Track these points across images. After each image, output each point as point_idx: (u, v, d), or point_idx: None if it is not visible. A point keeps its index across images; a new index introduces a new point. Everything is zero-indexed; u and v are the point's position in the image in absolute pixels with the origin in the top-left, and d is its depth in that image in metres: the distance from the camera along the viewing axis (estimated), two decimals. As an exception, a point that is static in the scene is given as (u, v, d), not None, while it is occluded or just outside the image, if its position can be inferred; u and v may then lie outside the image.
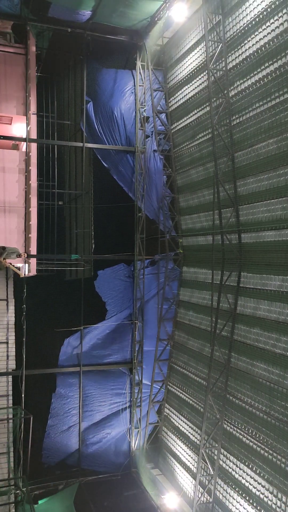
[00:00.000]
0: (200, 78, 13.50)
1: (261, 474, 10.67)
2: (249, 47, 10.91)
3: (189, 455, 14.25)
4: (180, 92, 14.79)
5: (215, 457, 12.47)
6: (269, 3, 10.04)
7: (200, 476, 12.93)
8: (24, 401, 14.03)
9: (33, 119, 14.05)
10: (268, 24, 10.16)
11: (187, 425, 14.59)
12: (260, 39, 10.46)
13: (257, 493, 10.77)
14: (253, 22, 10.68)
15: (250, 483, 11.07)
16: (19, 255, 12.66)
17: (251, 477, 11.05)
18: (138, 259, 16.19)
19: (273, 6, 9.95)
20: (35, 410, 13.86)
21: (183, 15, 13.21)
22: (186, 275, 15.86)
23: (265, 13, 10.23)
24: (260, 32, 10.45)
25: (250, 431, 11.22)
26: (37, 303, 14.64)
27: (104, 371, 16.11)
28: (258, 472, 10.79)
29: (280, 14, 9.74)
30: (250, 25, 10.83)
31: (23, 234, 14.03)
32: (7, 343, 14.73)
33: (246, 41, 11.03)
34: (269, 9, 10.09)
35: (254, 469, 10.95)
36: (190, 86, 14.11)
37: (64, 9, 13.43)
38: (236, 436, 11.79)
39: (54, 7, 13.27)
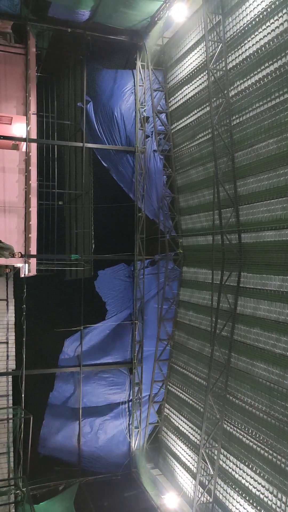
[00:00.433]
0: (200, 78, 13.50)
1: (261, 474, 10.67)
2: (249, 47, 10.91)
3: (189, 455, 14.25)
4: (180, 92, 14.78)
5: (215, 457, 12.46)
6: (269, 3, 10.04)
7: (200, 476, 12.93)
8: (24, 401, 14.03)
9: (33, 119, 14.06)
10: (268, 24, 10.16)
11: (187, 425, 14.58)
12: (260, 39, 10.46)
13: (257, 493, 10.76)
14: (253, 22, 10.68)
15: (250, 483, 11.07)
16: (12, 254, 12.45)
17: (251, 477, 11.05)
18: (138, 259, 16.19)
19: (273, 6, 9.95)
20: (35, 410, 13.86)
21: (183, 15, 13.21)
22: (186, 275, 15.86)
23: (265, 13, 10.22)
24: (260, 32, 10.45)
25: (250, 431, 11.22)
26: (37, 303, 14.64)
27: (104, 370, 16.11)
28: (258, 472, 10.79)
29: (280, 14, 9.74)
30: (250, 25, 10.83)
31: (23, 234, 14.03)
32: (7, 343, 14.73)
33: (246, 41, 11.03)
34: (269, 9, 10.09)
35: (254, 469, 10.95)
36: (190, 86, 14.11)
37: (64, 9, 13.43)
38: (236, 436, 11.79)
39: (54, 6, 13.27)
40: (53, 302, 15.58)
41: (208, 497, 12.64)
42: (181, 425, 15.04)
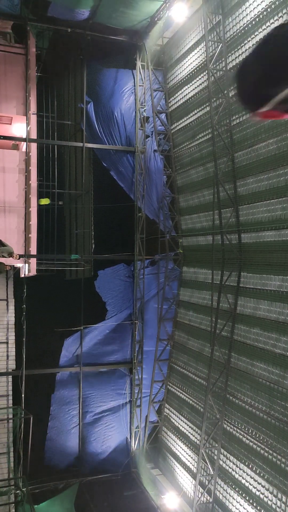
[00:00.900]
0: (200, 78, 13.50)
1: (261, 474, 10.67)
2: (249, 47, 10.90)
3: (189, 455, 14.25)
4: (180, 92, 14.78)
5: (215, 457, 12.46)
6: (269, 3, 10.04)
7: (200, 476, 12.93)
8: (24, 401, 14.03)
9: (33, 119, 14.05)
10: (268, 24, 10.16)
11: (187, 425, 14.58)
12: (261, 39, 10.44)
13: (257, 493, 10.76)
14: (253, 22, 10.68)
15: (250, 483, 11.07)
16: (10, 255, 12.42)
17: (251, 477, 11.04)
18: (138, 259, 16.18)
19: (273, 6, 9.95)
20: (35, 410, 13.85)
21: (183, 15, 13.21)
22: (186, 275, 15.86)
23: (265, 13, 10.23)
24: (260, 32, 10.45)
25: (250, 431, 11.22)
26: (37, 303, 14.62)
27: (104, 370, 16.11)
28: (258, 472, 10.79)
29: (280, 14, 9.74)
30: (250, 25, 10.83)
31: (23, 234, 14.03)
32: (7, 343, 14.72)
33: (246, 41, 11.03)
34: (269, 9, 10.09)
35: (254, 469, 10.95)
36: (190, 86, 14.10)
37: (63, 8, 13.43)
38: (236, 436, 11.79)
39: (54, 6, 13.27)
40: (53, 302, 15.57)
41: (208, 497, 12.64)
42: (181, 425, 15.04)
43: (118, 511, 14.32)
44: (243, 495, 11.29)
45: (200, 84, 13.48)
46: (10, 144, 14.68)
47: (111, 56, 15.72)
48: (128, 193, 16.24)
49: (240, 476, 11.50)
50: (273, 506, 10.20)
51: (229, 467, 12.00)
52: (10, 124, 14.20)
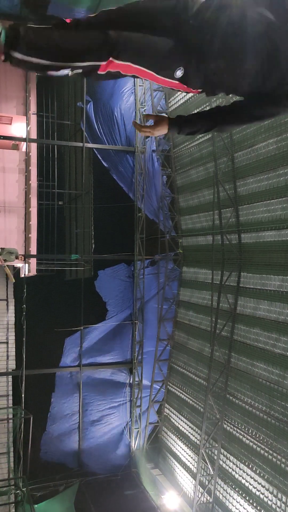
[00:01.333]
0: (200, 78, 13.49)
1: (261, 474, 10.66)
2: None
3: (189, 455, 14.25)
4: (180, 92, 14.78)
5: (215, 457, 12.46)
6: (269, 3, 10.04)
7: (200, 476, 12.93)
8: (24, 401, 14.03)
9: (33, 119, 14.05)
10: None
11: (187, 425, 14.58)
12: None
13: (257, 493, 10.76)
14: (253, 22, 10.67)
15: (250, 483, 11.07)
16: (17, 257, 12.60)
17: (251, 477, 11.04)
18: (138, 259, 16.19)
19: (273, 6, 9.94)
20: (35, 410, 13.85)
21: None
22: (186, 275, 15.86)
23: (265, 13, 10.22)
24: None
25: (250, 431, 11.22)
26: (37, 303, 14.63)
27: (104, 370, 16.11)
28: (258, 472, 10.79)
29: (280, 14, 9.73)
30: (250, 25, 10.82)
31: (23, 234, 14.03)
32: (7, 343, 14.73)
33: (246, 41, 11.02)
34: (269, 9, 10.09)
35: (254, 469, 10.95)
36: (190, 86, 14.09)
37: (63, 8, 13.43)
38: (236, 436, 11.79)
39: (53, 5, 13.26)
40: (53, 302, 15.58)
41: (208, 497, 12.64)
42: (181, 425, 15.04)
43: (118, 511, 14.32)
44: (243, 495, 11.29)
45: (200, 84, 13.47)
46: (10, 144, 14.68)
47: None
48: (128, 193, 16.25)
49: (240, 476, 11.50)
50: (273, 506, 10.20)
51: (229, 467, 12.00)
52: (10, 124, 14.20)
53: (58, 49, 2.28)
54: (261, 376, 10.95)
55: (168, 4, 2.42)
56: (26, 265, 13.77)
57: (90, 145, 15.41)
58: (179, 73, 2.47)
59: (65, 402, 15.58)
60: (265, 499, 10.48)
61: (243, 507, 11.24)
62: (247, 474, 11.19)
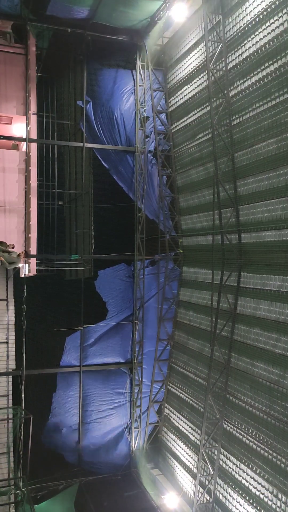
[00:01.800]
0: (200, 78, 13.50)
1: (261, 474, 10.67)
2: (249, 47, 10.91)
3: (189, 455, 14.25)
4: (180, 92, 14.78)
5: (215, 457, 12.47)
6: (269, 3, 10.04)
7: (200, 476, 12.93)
8: (24, 401, 14.03)
9: (33, 119, 14.05)
10: (268, 24, 10.16)
11: (187, 425, 14.58)
12: (260, 39, 10.46)
13: (257, 493, 10.76)
14: (253, 22, 10.68)
15: (250, 483, 11.07)
16: (19, 259, 12.65)
17: (251, 477, 11.05)
18: (138, 259, 16.19)
19: (273, 6, 9.95)
20: (35, 410, 13.85)
21: (183, 15, 13.21)
22: (186, 275, 15.86)
23: (265, 13, 10.22)
24: (260, 32, 10.45)
25: (250, 431, 11.22)
26: (37, 303, 14.63)
27: (104, 370, 16.11)
28: (258, 472, 10.79)
29: (280, 14, 9.74)
30: (250, 25, 10.83)
31: (23, 234, 14.03)
32: (7, 343, 14.73)
33: (246, 41, 11.03)
34: (269, 9, 10.09)
35: (254, 469, 10.95)
36: (190, 86, 14.11)
37: (62, 6, 13.43)
38: (236, 436, 11.79)
39: (53, 4, 13.26)
40: (53, 302, 15.58)
41: (208, 497, 12.64)
42: (181, 425, 15.04)
43: (118, 511, 14.32)
44: (243, 495, 11.30)
45: (200, 84, 13.48)
46: (10, 144, 14.69)
47: (111, 56, 15.71)
48: (128, 193, 16.26)
49: (240, 476, 11.50)
50: (273, 506, 10.20)
51: (229, 467, 12.01)
52: (10, 124, 14.21)
53: None
54: (261, 376, 10.95)
55: None
56: (26, 265, 13.77)
57: (90, 145, 15.42)
58: None
59: (66, 402, 15.59)
60: (265, 499, 10.48)
61: (243, 507, 11.24)
62: (247, 474, 11.19)
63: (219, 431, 12.32)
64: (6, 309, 14.81)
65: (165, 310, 16.20)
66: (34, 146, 13.89)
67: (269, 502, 10.34)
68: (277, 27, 9.86)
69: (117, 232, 16.53)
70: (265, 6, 10.17)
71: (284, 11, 9.59)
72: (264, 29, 10.28)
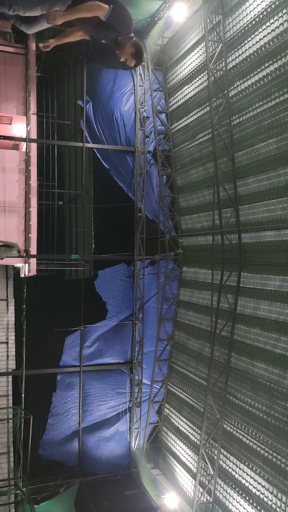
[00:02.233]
0: (200, 78, 13.50)
1: (261, 474, 10.67)
2: (249, 47, 10.91)
3: (189, 455, 14.25)
4: (180, 92, 14.78)
5: (215, 457, 12.47)
6: (269, 3, 10.04)
7: (200, 476, 12.93)
8: (24, 401, 14.03)
9: (33, 119, 14.03)
10: (268, 24, 10.16)
11: (187, 425, 14.58)
12: (260, 39, 10.46)
13: (257, 493, 10.76)
14: (253, 22, 10.68)
15: (250, 483, 11.07)
16: (19, 251, 12.48)
17: (251, 477, 11.05)
18: (138, 259, 16.19)
19: (273, 6, 9.95)
20: (35, 410, 13.85)
21: (183, 15, 13.21)
22: (186, 275, 15.86)
23: (265, 13, 10.22)
24: (260, 32, 10.45)
25: (250, 431, 11.22)
26: (37, 303, 14.63)
27: (104, 370, 16.11)
28: (258, 472, 10.79)
29: (280, 14, 9.74)
30: (250, 25, 10.83)
31: (23, 234, 14.01)
32: (7, 343, 14.72)
33: (246, 41, 11.03)
34: (269, 9, 10.09)
35: (254, 469, 10.95)
36: (190, 86, 14.10)
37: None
38: (236, 436, 11.79)
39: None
40: (53, 302, 15.57)
41: (208, 497, 12.64)
42: (181, 425, 15.04)
43: (118, 511, 14.32)
44: (243, 495, 11.30)
45: (200, 84, 13.48)
46: (10, 144, 14.68)
47: (111, 56, 15.68)
48: (128, 193, 16.26)
49: (240, 476, 11.50)
50: (273, 506, 10.20)
51: (229, 467, 12.01)
52: (10, 124, 14.19)
53: None
54: (261, 376, 10.95)
55: None
56: (26, 265, 13.75)
57: (90, 145, 15.42)
58: None
59: (66, 402, 15.59)
60: (265, 499, 10.48)
61: (243, 507, 11.24)
62: (247, 474, 11.19)
63: (219, 431, 12.32)
64: (6, 309, 14.81)
65: (165, 310, 16.19)
66: (34, 146, 13.87)
67: (269, 502, 10.34)
68: (277, 27, 9.86)
69: (117, 232, 16.52)
70: (265, 6, 10.17)
71: (284, 11, 9.60)
72: (264, 29, 10.28)
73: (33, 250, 13.66)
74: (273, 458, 10.30)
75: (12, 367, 14.72)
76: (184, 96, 14.54)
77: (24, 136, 14.06)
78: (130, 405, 16.38)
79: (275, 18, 9.92)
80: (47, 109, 15.24)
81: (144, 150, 15.88)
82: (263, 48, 10.40)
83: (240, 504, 11.37)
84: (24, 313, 13.82)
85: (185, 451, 14.56)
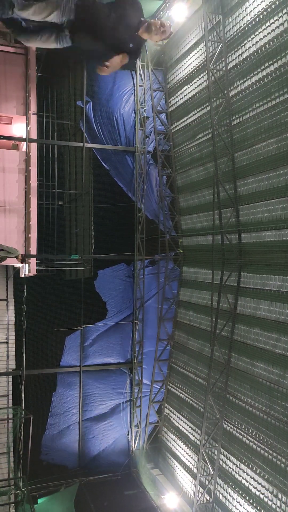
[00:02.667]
0: (200, 78, 13.50)
1: (261, 474, 10.67)
2: (249, 47, 10.91)
3: (189, 455, 14.25)
4: (180, 92, 14.78)
5: (215, 457, 12.47)
6: (269, 3, 10.04)
7: (200, 476, 12.93)
8: (24, 401, 14.03)
9: (33, 119, 14.03)
10: (268, 24, 10.16)
11: (187, 425, 14.58)
12: (260, 39, 10.46)
13: (257, 493, 10.77)
14: (253, 22, 10.68)
15: (250, 483, 11.08)
16: (17, 257, 12.50)
17: (251, 477, 11.05)
18: (138, 259, 16.19)
19: (273, 6, 9.95)
20: (35, 410, 13.85)
21: (183, 15, 13.21)
22: (186, 275, 15.86)
23: (265, 13, 10.23)
24: (260, 32, 10.45)
25: (250, 431, 11.22)
26: (37, 303, 14.63)
27: (104, 370, 16.11)
28: (258, 472, 10.79)
29: (280, 14, 9.74)
30: (250, 25, 10.83)
31: (23, 234, 14.01)
32: (7, 343, 14.72)
33: (246, 41, 11.03)
34: (269, 9, 10.09)
35: (254, 469, 10.96)
36: (190, 86, 14.11)
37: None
38: (236, 436, 11.79)
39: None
40: (53, 302, 15.57)
41: (208, 497, 12.64)
42: (181, 425, 15.04)
43: (118, 511, 14.32)
44: (243, 495, 11.30)
45: (200, 84, 13.48)
46: (10, 144, 14.68)
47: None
48: (127, 193, 16.26)
49: (240, 476, 11.50)
50: (273, 506, 10.21)
51: (229, 467, 12.01)
52: (10, 124, 14.19)
53: None
54: (261, 376, 10.95)
55: None
56: (26, 265, 13.75)
57: (90, 145, 15.42)
58: None
59: (66, 402, 15.59)
60: (265, 499, 10.48)
61: (243, 507, 11.24)
62: (247, 474, 11.19)
63: (219, 431, 12.32)
64: (6, 309, 14.81)
65: (165, 310, 16.20)
66: (34, 146, 13.87)
67: (269, 502, 10.34)
68: (277, 27, 9.86)
69: (117, 232, 16.52)
70: (265, 6, 10.17)
71: (284, 11, 9.60)
72: (264, 29, 10.29)
73: (33, 250, 13.66)
74: (273, 458, 10.30)
75: (12, 367, 14.73)
76: (184, 96, 14.54)
77: (24, 136, 14.06)
78: (130, 405, 16.38)
79: (275, 18, 9.92)
80: (47, 109, 15.24)
81: (144, 150, 15.88)
82: (263, 48, 10.40)
83: (240, 504, 11.37)
84: (24, 313, 13.82)
85: (185, 451, 14.57)
